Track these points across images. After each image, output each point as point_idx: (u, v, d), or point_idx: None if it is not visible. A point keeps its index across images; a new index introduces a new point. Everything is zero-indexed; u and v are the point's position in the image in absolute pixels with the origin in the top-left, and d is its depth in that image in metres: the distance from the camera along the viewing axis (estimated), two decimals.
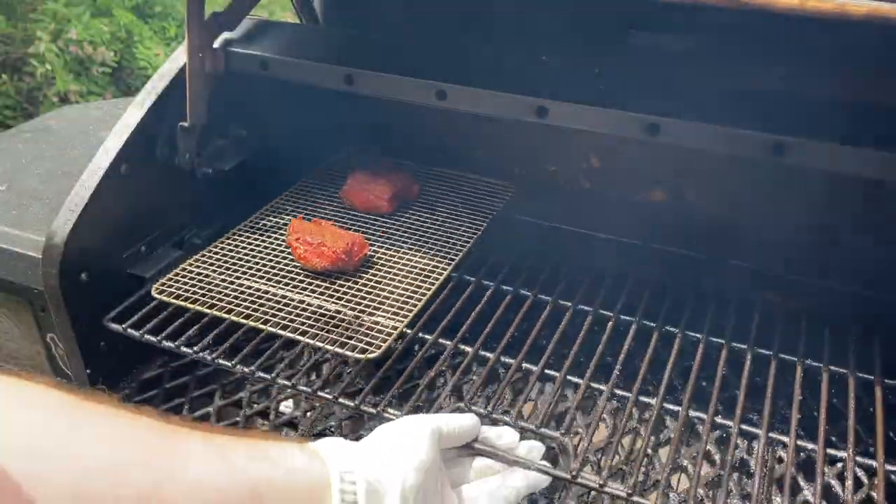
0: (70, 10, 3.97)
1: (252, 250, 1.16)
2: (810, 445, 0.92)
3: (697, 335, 1.07)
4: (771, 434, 0.92)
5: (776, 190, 1.20)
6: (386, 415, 0.92)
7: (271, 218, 1.25)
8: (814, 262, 1.19)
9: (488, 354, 1.03)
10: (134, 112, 1.09)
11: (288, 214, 1.26)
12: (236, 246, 1.17)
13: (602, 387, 0.99)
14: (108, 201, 1.06)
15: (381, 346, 0.96)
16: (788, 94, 1.06)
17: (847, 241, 1.18)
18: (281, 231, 1.20)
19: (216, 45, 1.12)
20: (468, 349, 1.04)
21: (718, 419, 0.94)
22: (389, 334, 0.99)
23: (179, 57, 1.12)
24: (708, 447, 1.00)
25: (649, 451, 0.97)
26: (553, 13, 1.26)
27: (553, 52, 1.08)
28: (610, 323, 1.09)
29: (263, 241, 1.19)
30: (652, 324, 1.09)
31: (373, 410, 0.93)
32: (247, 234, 1.20)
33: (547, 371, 1.00)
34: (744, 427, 0.92)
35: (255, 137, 1.27)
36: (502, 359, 1.03)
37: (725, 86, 0.99)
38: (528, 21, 1.28)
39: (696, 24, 1.15)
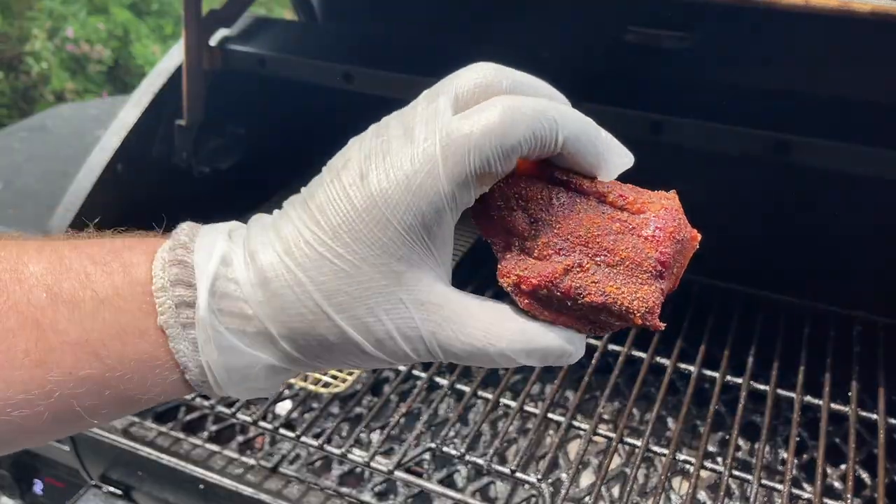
0: (66, 8, 3.92)
1: None
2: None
3: (690, 367, 1.00)
4: (764, 480, 0.85)
5: None
6: (351, 456, 0.86)
7: None
8: None
9: (465, 388, 0.97)
10: (130, 110, 1.08)
11: None
12: None
13: (585, 425, 0.92)
14: (105, 200, 1.04)
15: (346, 378, 0.90)
16: (789, 93, 1.02)
17: None
18: None
19: (213, 42, 1.11)
20: (443, 382, 0.98)
21: (708, 463, 0.87)
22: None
23: (176, 55, 1.11)
24: (699, 493, 0.93)
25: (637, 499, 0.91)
26: (553, 11, 1.21)
27: (552, 48, 1.04)
28: (597, 354, 1.02)
29: None
30: (643, 354, 1.02)
31: (337, 451, 0.86)
32: None
33: (527, 408, 0.93)
34: (736, 473, 0.86)
35: (253, 136, 1.24)
36: (479, 393, 0.96)
37: (726, 84, 0.97)
38: (528, 18, 1.24)
39: (697, 22, 1.10)
